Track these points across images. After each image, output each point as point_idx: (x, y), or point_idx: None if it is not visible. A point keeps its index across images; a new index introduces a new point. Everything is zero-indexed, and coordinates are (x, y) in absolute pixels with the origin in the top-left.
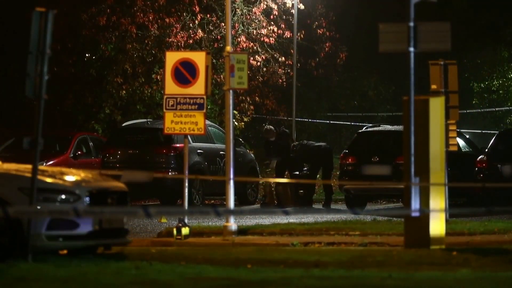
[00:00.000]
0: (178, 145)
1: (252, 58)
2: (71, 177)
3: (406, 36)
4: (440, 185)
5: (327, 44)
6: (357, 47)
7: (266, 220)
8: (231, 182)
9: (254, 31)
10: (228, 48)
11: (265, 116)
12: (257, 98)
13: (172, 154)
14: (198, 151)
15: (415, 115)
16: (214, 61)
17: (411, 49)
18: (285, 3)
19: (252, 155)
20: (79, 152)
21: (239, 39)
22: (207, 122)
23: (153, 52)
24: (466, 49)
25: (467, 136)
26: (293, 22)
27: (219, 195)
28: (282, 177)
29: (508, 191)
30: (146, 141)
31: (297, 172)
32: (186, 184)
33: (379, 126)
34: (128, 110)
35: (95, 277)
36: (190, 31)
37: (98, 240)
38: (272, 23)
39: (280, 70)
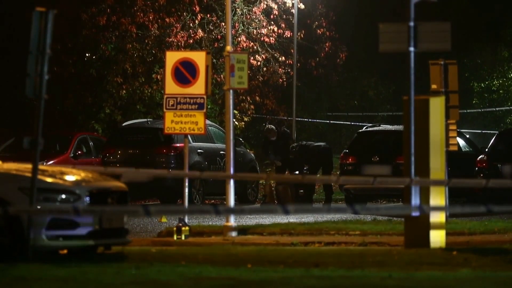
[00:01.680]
0: (178, 144)
1: (252, 58)
2: (71, 176)
3: (406, 36)
4: (441, 183)
5: (327, 44)
6: (357, 47)
7: (266, 219)
8: (231, 181)
9: (254, 31)
10: (228, 48)
11: (265, 116)
12: (257, 98)
13: (172, 153)
14: (198, 150)
15: (415, 115)
16: (214, 61)
17: (411, 49)
18: (285, 3)
19: (252, 155)
20: (79, 152)
21: (239, 39)
22: (207, 121)
23: (153, 52)
24: (466, 49)
25: (467, 136)
26: (293, 22)
27: (219, 195)
28: None
29: (508, 191)
30: (146, 141)
31: (297, 172)
32: (186, 184)
33: (379, 126)
34: (128, 110)
35: (95, 276)
36: (190, 31)
37: (98, 240)
38: (272, 22)
39: (280, 69)
